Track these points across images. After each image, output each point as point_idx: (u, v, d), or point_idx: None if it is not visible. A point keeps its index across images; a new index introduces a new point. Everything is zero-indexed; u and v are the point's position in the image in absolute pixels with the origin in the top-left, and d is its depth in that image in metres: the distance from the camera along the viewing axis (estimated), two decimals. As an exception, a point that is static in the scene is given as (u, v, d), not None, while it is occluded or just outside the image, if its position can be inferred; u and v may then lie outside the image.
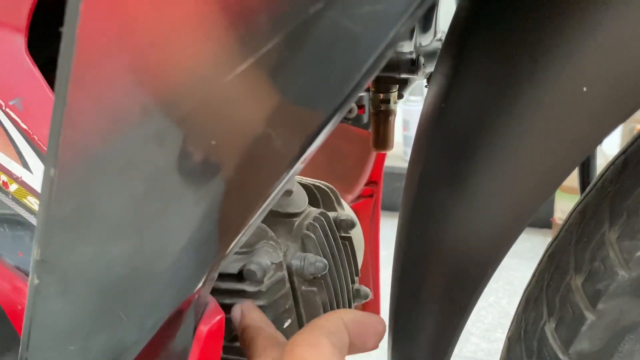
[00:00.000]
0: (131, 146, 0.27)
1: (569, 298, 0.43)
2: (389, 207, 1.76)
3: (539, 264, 0.49)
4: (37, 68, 0.45)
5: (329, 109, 0.25)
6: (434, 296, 0.45)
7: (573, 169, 0.35)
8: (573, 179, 0.96)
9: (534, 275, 0.49)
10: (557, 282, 0.45)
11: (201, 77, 0.24)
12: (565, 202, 2.21)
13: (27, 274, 0.51)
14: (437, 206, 0.43)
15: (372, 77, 0.25)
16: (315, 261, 0.52)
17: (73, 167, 0.28)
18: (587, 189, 0.46)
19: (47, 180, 0.29)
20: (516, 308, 0.50)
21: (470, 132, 0.39)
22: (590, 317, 0.42)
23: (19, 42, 0.45)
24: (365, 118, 0.71)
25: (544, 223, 2.37)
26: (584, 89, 0.32)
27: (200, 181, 0.28)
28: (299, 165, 0.29)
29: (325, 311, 0.55)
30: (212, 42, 0.24)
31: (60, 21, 0.50)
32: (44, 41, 0.49)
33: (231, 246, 0.33)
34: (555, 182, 0.36)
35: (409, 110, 2.65)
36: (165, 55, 0.24)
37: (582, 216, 0.45)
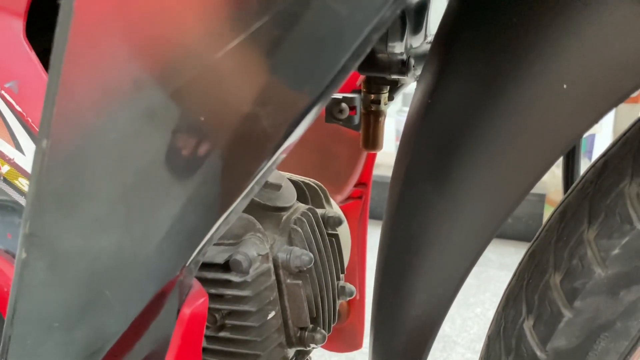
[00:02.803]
0: (123, 120, 0.28)
1: (548, 296, 0.44)
2: (380, 217, 1.77)
3: (519, 264, 0.50)
4: (34, 53, 0.46)
5: (317, 90, 0.26)
6: (417, 289, 0.46)
7: (554, 162, 0.36)
8: (561, 194, 0.97)
9: (514, 274, 0.50)
10: (536, 280, 0.46)
11: (193, 52, 0.25)
12: (553, 217, 2.23)
13: (14, 257, 0.51)
14: (421, 200, 0.44)
15: (359, 61, 0.26)
16: (301, 254, 0.53)
17: (65, 140, 0.29)
18: (569, 191, 0.47)
19: (39, 152, 0.29)
20: (497, 307, 0.51)
21: (454, 128, 0.40)
22: (567, 314, 0.43)
23: (17, 26, 0.46)
24: (357, 119, 0.72)
25: (533, 236, 2.38)
26: (564, 86, 0.33)
27: (186, 160, 0.29)
28: (281, 155, 0.30)
29: (309, 305, 0.56)
30: (203, 19, 0.24)
31: (58, 10, 0.51)
32: (43, 29, 0.50)
33: (214, 228, 0.34)
34: (537, 175, 0.37)
35: (402, 120, 2.67)
36: (158, 30, 0.25)
37: (562, 216, 0.46)
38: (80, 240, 0.33)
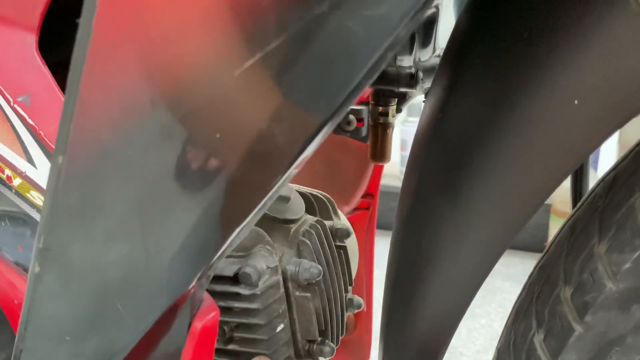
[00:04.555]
0: (139, 138, 0.28)
1: (558, 310, 0.44)
2: (385, 226, 1.77)
3: (529, 277, 0.50)
4: (46, 67, 0.47)
5: (331, 107, 0.26)
6: (427, 303, 0.46)
7: (564, 178, 0.36)
8: (567, 204, 0.97)
9: (524, 287, 0.50)
10: (546, 294, 0.46)
11: (209, 72, 0.26)
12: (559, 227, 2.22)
13: (25, 269, 0.51)
14: (432, 214, 0.44)
15: (373, 79, 0.26)
16: (310, 267, 0.53)
17: (82, 156, 0.29)
18: (578, 205, 0.47)
19: (55, 168, 0.30)
20: (506, 320, 0.51)
21: (465, 143, 0.40)
22: (578, 329, 0.43)
23: (30, 40, 0.47)
24: (364, 131, 0.72)
25: (539, 247, 2.38)
26: (575, 102, 0.33)
27: (201, 176, 0.29)
28: (294, 170, 0.30)
29: (318, 317, 0.56)
30: (220, 39, 0.25)
31: (70, 25, 0.52)
32: (55, 43, 0.50)
33: (227, 242, 0.34)
34: (548, 190, 0.37)
35: (406, 130, 2.67)
36: (175, 50, 0.25)
37: (572, 230, 0.46)
38: (93, 254, 0.34)
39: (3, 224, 0.51)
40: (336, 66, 0.25)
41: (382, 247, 0.83)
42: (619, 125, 0.33)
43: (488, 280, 0.42)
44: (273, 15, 0.24)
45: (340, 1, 0.23)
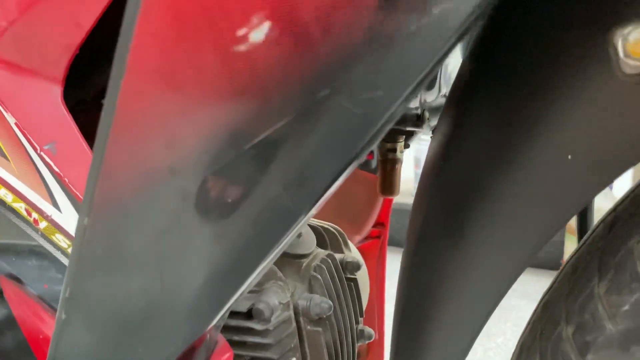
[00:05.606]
0: (158, 200, 0.30)
1: (560, 347, 0.46)
2: (398, 243, 1.78)
3: (533, 313, 0.51)
4: (70, 115, 0.50)
5: (332, 174, 0.28)
6: (434, 339, 0.48)
7: (566, 222, 0.38)
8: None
9: (528, 323, 0.51)
10: (549, 332, 0.47)
11: (223, 144, 0.28)
12: (574, 245, 2.22)
13: (50, 305, 0.54)
14: (437, 256, 0.45)
15: (371, 148, 0.28)
16: (321, 302, 0.55)
17: (104, 216, 0.32)
18: (579, 244, 0.48)
19: (80, 227, 0.32)
20: (511, 356, 0.53)
21: (467, 190, 0.42)
22: (580, 367, 0.44)
23: (56, 91, 0.50)
24: (374, 163, 0.74)
25: (554, 265, 2.37)
26: (569, 157, 0.35)
27: (221, 225, 0.32)
28: (311, 215, 0.33)
29: (329, 350, 0.58)
30: (233, 117, 0.27)
31: (91, 69, 0.54)
32: (76, 85, 0.53)
33: (245, 285, 0.36)
34: (545, 238, 0.38)
35: (420, 148, 2.69)
36: (195, 123, 0.28)
37: (574, 269, 0.48)
38: (116, 301, 0.36)
39: (30, 262, 0.54)
40: (336, 139, 0.27)
41: (395, 263, 0.85)
42: (610, 180, 0.34)
43: (504, 298, 0.43)
44: (280, 96, 0.26)
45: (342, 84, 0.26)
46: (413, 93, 0.26)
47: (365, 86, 0.25)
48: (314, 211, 0.32)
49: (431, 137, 0.70)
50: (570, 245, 2.35)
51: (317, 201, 0.31)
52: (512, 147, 0.39)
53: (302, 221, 0.31)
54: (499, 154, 0.40)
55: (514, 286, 0.44)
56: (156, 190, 0.30)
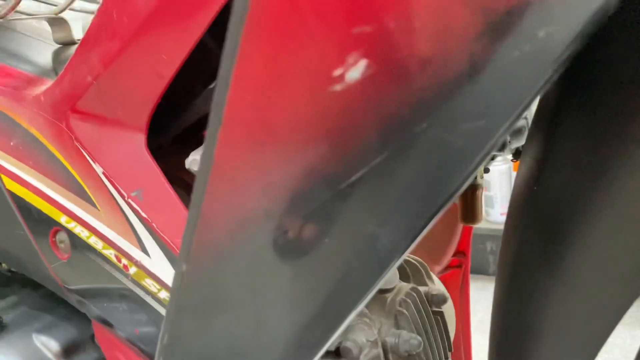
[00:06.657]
0: (253, 245, 0.30)
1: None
2: (472, 270, 1.72)
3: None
4: (155, 162, 0.51)
5: (430, 210, 0.27)
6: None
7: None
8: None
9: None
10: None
11: (319, 185, 0.28)
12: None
13: (141, 349, 0.55)
14: (534, 285, 0.43)
15: (471, 179, 0.27)
16: (410, 338, 0.53)
17: (202, 262, 0.32)
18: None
19: (178, 274, 0.32)
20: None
21: (563, 216, 0.40)
22: None
23: (140, 140, 0.51)
24: (451, 190, 0.72)
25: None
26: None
27: (312, 273, 0.31)
28: (407, 253, 0.31)
29: (420, 389, 0.56)
30: (328, 157, 0.27)
31: (170, 114, 0.56)
32: (155, 131, 0.55)
33: (340, 329, 0.35)
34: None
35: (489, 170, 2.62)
36: (290, 166, 0.27)
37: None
38: (212, 348, 0.36)
39: (120, 306, 0.55)
40: (434, 174, 0.26)
41: (472, 291, 0.81)
42: None
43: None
44: (376, 134, 0.26)
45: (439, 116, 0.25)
46: (516, 121, 0.25)
47: (465, 116, 0.24)
48: (411, 249, 0.30)
49: (512, 160, 0.68)
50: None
51: (415, 239, 0.29)
52: (610, 169, 0.37)
53: (399, 260, 0.30)
54: (597, 176, 0.38)
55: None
56: (252, 235, 0.30)
